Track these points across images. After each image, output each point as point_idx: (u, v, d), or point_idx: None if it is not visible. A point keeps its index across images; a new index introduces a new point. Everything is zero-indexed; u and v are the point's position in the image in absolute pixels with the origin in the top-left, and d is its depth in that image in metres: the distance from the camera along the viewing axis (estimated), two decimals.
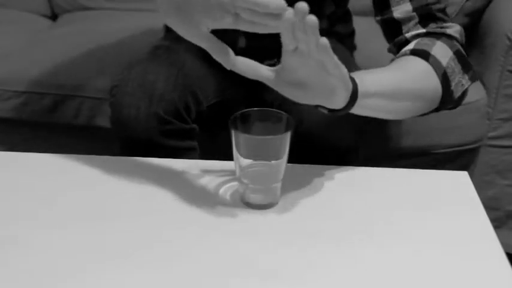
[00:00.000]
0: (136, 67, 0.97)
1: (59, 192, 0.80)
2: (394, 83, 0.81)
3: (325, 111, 0.75)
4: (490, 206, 1.44)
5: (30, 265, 0.67)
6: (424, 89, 0.85)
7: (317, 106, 0.75)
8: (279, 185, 0.76)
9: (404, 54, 0.88)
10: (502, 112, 1.36)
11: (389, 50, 0.96)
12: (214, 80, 1.06)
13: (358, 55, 1.25)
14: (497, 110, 1.36)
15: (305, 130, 0.88)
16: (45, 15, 1.84)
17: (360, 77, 0.75)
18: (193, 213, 0.76)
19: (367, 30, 1.29)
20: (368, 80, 0.76)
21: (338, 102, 0.73)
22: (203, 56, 1.05)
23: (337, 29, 1.15)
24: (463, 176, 0.85)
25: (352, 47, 1.23)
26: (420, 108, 0.87)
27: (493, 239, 0.72)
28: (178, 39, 1.06)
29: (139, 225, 0.73)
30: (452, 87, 0.87)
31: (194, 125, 0.99)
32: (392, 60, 0.90)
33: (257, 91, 1.10)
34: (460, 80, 0.88)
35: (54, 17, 1.85)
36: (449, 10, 1.45)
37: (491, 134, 1.38)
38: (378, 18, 0.95)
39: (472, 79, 0.90)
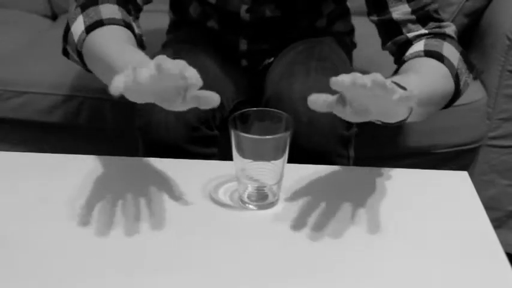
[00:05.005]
0: None
1: (58, 192, 0.79)
2: (428, 90, 0.82)
3: (379, 123, 0.75)
4: (490, 206, 1.44)
5: (29, 265, 0.67)
6: (447, 92, 0.88)
7: None
8: (278, 185, 0.76)
9: (418, 56, 0.89)
10: (502, 112, 1.36)
11: (389, 49, 0.97)
12: (233, 84, 1.07)
13: (357, 54, 1.25)
14: (497, 110, 1.35)
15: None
16: (45, 15, 1.83)
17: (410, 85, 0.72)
18: (193, 214, 0.76)
19: (366, 30, 1.29)
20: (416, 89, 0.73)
21: (399, 118, 0.73)
22: (221, 60, 1.05)
23: (336, 28, 1.15)
24: (463, 176, 0.85)
25: (351, 45, 1.23)
26: (438, 109, 0.90)
27: (493, 239, 0.72)
28: (194, 41, 1.06)
29: (137, 226, 0.73)
30: (461, 87, 0.90)
31: (217, 132, 0.99)
32: (405, 60, 0.90)
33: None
34: (466, 80, 0.91)
35: (54, 17, 1.85)
36: (449, 10, 1.45)
37: (491, 134, 1.38)
38: (374, 18, 0.96)
39: (475, 78, 0.93)
